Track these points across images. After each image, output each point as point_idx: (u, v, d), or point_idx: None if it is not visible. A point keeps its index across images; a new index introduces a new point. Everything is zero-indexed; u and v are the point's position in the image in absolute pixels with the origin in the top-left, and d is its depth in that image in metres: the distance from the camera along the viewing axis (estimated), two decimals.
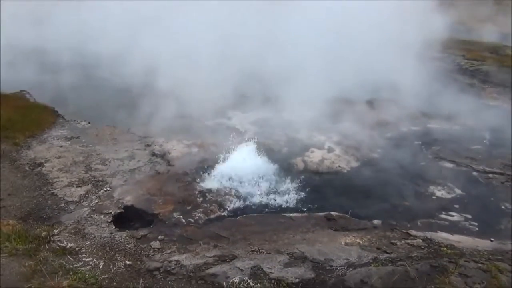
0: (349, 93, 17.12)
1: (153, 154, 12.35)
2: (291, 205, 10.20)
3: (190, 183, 10.83)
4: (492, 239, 8.24)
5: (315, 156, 12.80)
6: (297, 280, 6.99)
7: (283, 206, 10.16)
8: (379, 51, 17.51)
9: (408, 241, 8.45)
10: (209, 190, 10.53)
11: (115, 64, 17.27)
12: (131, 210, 9.60)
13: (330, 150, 13.38)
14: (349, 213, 9.69)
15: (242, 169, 11.52)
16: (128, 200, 9.82)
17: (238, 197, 10.43)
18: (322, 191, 10.98)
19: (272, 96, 16.15)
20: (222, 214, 9.68)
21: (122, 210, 9.46)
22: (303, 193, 10.74)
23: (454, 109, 16.25)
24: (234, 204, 10.09)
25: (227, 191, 10.59)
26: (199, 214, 9.51)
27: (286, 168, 12.12)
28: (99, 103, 15.88)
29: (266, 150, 12.67)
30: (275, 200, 10.43)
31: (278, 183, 11.21)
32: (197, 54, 16.39)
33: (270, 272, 7.13)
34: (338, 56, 16.81)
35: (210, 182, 10.98)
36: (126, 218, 9.40)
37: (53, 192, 9.84)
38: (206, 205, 9.86)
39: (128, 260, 7.58)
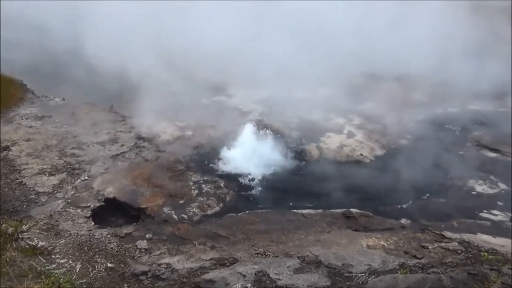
0: (374, 67, 17.44)
1: (140, 138, 12.39)
2: (303, 201, 10.18)
3: (183, 173, 10.88)
4: None
5: (332, 142, 12.85)
6: None
7: (292, 202, 10.16)
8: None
9: (442, 244, 8.38)
10: (206, 182, 10.56)
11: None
12: (114, 204, 9.61)
13: (350, 135, 13.46)
14: (372, 210, 9.68)
15: (245, 156, 11.68)
16: (110, 191, 9.82)
17: (239, 189, 10.52)
18: (340, 184, 10.95)
19: (283, 70, 16.21)
20: (221, 209, 9.70)
21: (103, 204, 9.46)
22: (317, 186, 10.77)
23: (502, 87, 16.19)
24: (235, 198, 10.14)
25: (226, 183, 10.67)
26: (194, 209, 9.52)
27: (297, 156, 12.25)
28: (76, 76, 15.80)
29: (274, 134, 12.79)
30: (282, 193, 10.47)
31: (287, 174, 11.31)
32: None
33: (278, 279, 7.04)
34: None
35: (207, 171, 11.11)
36: (108, 212, 9.40)
37: (22, 181, 9.84)
38: (202, 199, 9.86)
39: (110, 263, 7.55)
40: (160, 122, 13.37)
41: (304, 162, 12.07)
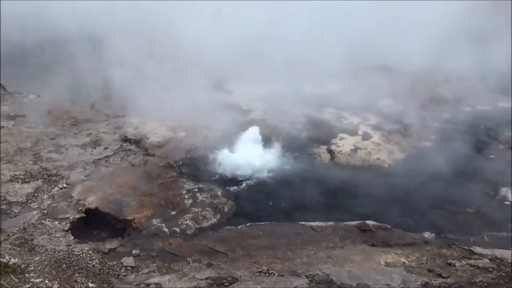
0: (393, 59, 17.45)
1: (126, 140, 12.44)
2: (312, 211, 10.14)
3: (175, 180, 10.91)
4: None
5: (345, 145, 12.87)
6: None
7: (300, 213, 10.11)
8: None
9: (471, 261, 8.34)
10: (201, 190, 10.58)
11: None
12: (96, 215, 9.59)
13: (366, 136, 13.45)
14: (391, 223, 9.62)
15: (245, 161, 11.70)
16: (92, 201, 9.80)
17: (239, 199, 10.53)
18: (354, 192, 10.93)
19: (289, 62, 16.25)
20: (219, 221, 9.67)
21: (84, 215, 9.43)
22: (328, 195, 10.78)
23: None
24: (234, 209, 10.14)
25: (224, 192, 10.68)
26: (188, 222, 9.50)
27: (305, 161, 12.25)
28: (54, 70, 15.73)
29: (278, 136, 12.94)
30: (289, 203, 10.47)
31: (294, 182, 11.31)
32: None
33: None
34: None
35: (203, 178, 11.15)
36: (89, 225, 9.39)
37: None
38: (196, 209, 9.85)
39: (92, 282, 7.53)
40: (149, 121, 13.38)
41: (313, 168, 12.06)
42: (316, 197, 10.70)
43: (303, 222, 9.54)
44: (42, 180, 10.37)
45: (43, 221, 9.04)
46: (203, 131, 13.16)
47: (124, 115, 13.79)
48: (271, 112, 14.45)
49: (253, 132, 12.40)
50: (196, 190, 10.58)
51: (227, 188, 10.88)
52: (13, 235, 8.58)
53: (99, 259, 8.17)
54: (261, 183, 11.17)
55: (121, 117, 13.74)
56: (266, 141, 12.45)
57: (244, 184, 11.10)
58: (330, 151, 12.76)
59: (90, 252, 8.32)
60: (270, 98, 15.34)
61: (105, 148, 12.00)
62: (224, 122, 13.37)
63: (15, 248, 8.19)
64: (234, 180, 11.24)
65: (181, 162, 11.78)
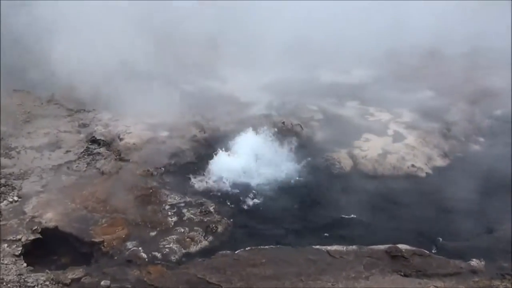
0: (433, 40, 17.75)
1: (93, 141, 12.51)
2: (329, 232, 10.18)
3: (156, 192, 10.95)
4: None
5: (371, 148, 12.92)
6: None
7: (314, 234, 10.14)
8: None
9: None
10: (189, 204, 10.62)
11: None
12: (55, 236, 9.56)
13: (397, 137, 13.58)
14: (430, 247, 9.65)
15: (245, 167, 11.75)
16: (50, 218, 9.79)
17: (237, 215, 10.56)
18: (383, 208, 10.97)
19: (301, 42, 16.53)
20: (211, 244, 9.69)
21: (40, 236, 9.41)
22: (349, 211, 10.78)
23: None
24: (230, 229, 10.17)
25: (218, 207, 10.71)
26: (171, 245, 9.49)
27: (320, 169, 12.34)
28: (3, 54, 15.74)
29: (287, 136, 13.00)
30: (299, 221, 10.50)
31: (307, 194, 11.38)
32: None
33: None
34: None
35: (191, 190, 11.20)
36: (47, 249, 9.37)
37: None
38: (183, 230, 9.86)
39: None
40: (123, 117, 13.51)
41: (330, 177, 12.12)
42: (333, 214, 10.75)
43: (317, 246, 9.55)
44: None
45: None
46: (192, 129, 13.25)
47: (92, 109, 13.80)
48: (277, 106, 14.62)
49: (253, 132, 12.63)
50: (183, 204, 10.61)
51: (221, 202, 10.93)
52: None
53: None
54: (265, 197, 11.20)
55: (87, 112, 13.75)
56: (271, 144, 12.54)
57: (243, 198, 11.13)
58: (353, 156, 12.79)
59: (47, 283, 8.29)
60: (277, 88, 15.49)
61: (67, 152, 12.01)
62: (218, 118, 13.44)
63: None
64: (231, 193, 11.28)
65: (163, 169, 11.81)
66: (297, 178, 11.93)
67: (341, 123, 14.14)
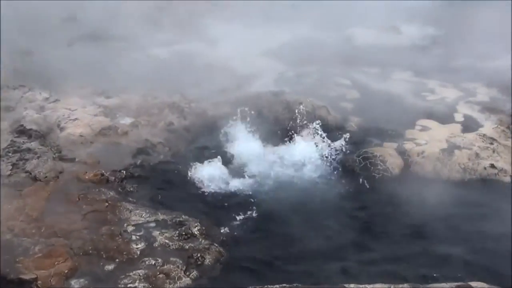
0: None
1: (21, 131, 12.55)
2: (368, 266, 10.12)
3: (114, 205, 10.96)
4: None
5: (431, 141, 13.06)
6: None
7: (346, 268, 10.06)
8: None
9: None
10: (162, 223, 10.63)
11: None
12: None
13: (469, 124, 13.71)
14: None
15: (244, 170, 11.98)
16: None
17: (232, 240, 10.57)
18: (447, 228, 10.96)
19: None
20: (195, 283, 9.56)
21: None
22: (397, 234, 10.83)
23: None
24: (222, 260, 10.06)
25: (205, 228, 10.67)
26: (137, 284, 9.41)
27: (356, 172, 12.45)
28: None
29: (305, 124, 13.08)
30: (323, 248, 10.48)
31: (335, 209, 11.41)
32: None
33: None
34: None
35: (165, 202, 11.25)
36: None
37: None
38: (154, 261, 9.80)
39: None
40: (66, 97, 13.65)
41: (371, 183, 12.24)
42: (375, 237, 10.80)
43: (351, 286, 9.41)
44: None
45: None
46: (166, 114, 13.36)
47: (18, 85, 13.76)
48: (292, 79, 14.78)
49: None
50: (153, 224, 10.61)
51: (210, 221, 10.94)
52: None
53: None
54: (273, 213, 11.25)
55: (12, 89, 13.71)
56: (283, 135, 12.81)
57: (242, 214, 11.18)
58: (404, 153, 12.89)
59: None
60: (290, 53, 15.76)
61: None
62: (204, 98, 13.52)
63: None
64: (224, 207, 11.36)
65: (124, 172, 11.88)
66: (322, 185, 12.08)
67: (386, 104, 14.25)
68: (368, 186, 12.21)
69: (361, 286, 9.46)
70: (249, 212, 11.27)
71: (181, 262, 9.92)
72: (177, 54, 15.07)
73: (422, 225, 11.09)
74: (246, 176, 12.05)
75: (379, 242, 10.76)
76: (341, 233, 10.92)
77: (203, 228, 10.66)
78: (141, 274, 9.61)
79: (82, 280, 9.50)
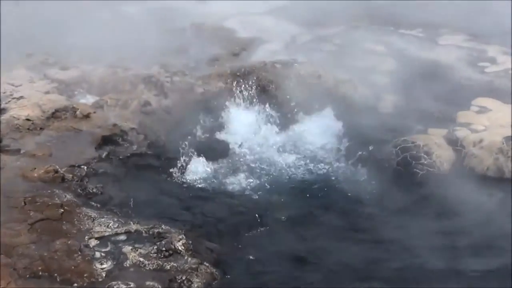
0: None
1: None
2: None
3: (72, 212, 10.80)
4: None
5: (492, 126, 13.07)
6: None
7: None
8: None
9: None
10: (136, 236, 10.49)
11: None
12: None
13: None
14: None
15: (244, 167, 12.08)
16: None
17: (224, 260, 10.50)
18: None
19: None
20: None
21: None
22: (444, 252, 10.62)
23: None
24: (211, 285, 9.93)
25: (192, 242, 10.54)
26: None
27: (392, 168, 12.54)
28: None
29: (325, 103, 13.25)
30: (348, 269, 10.38)
31: (363, 216, 11.44)
32: None
33: None
34: None
35: (138, 206, 11.25)
36: None
37: None
38: (123, 286, 9.60)
39: None
40: (8, 68, 13.54)
41: (411, 185, 12.18)
42: (422, 256, 10.53)
43: None
44: None
45: None
46: (140, 91, 13.36)
47: None
48: (306, 45, 14.84)
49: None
50: (123, 237, 10.48)
51: (199, 232, 10.89)
52: None
53: None
54: (283, 224, 11.22)
55: None
56: (294, 117, 12.93)
57: (242, 224, 11.17)
58: (455, 142, 12.84)
59: None
60: (304, 11, 15.72)
61: None
62: (191, 70, 13.49)
63: None
64: (217, 214, 11.28)
65: (85, 169, 11.78)
66: (345, 185, 12.03)
67: (432, 78, 14.26)
68: (408, 188, 12.13)
69: None
70: (252, 222, 11.26)
71: (160, 287, 9.76)
72: (154, 11, 14.98)
73: (477, 238, 10.92)
74: (246, 174, 12.09)
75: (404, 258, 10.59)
76: (355, 247, 10.87)
77: (190, 242, 10.52)
78: None
79: None
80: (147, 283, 9.79)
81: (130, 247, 10.26)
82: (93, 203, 11.23)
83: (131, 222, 10.74)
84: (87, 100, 13.17)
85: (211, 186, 11.75)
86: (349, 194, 11.90)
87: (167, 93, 13.37)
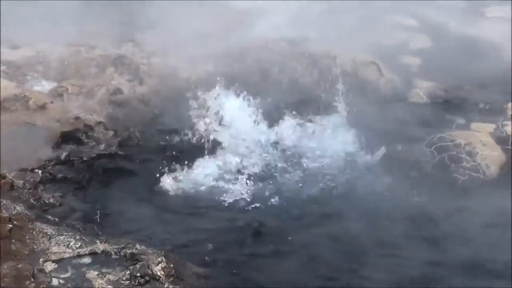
0: None
1: None
2: None
3: (23, 228, 10.48)
4: None
5: None
6: None
7: None
8: None
9: None
10: (104, 259, 10.14)
11: None
12: None
13: None
14: None
15: (239, 177, 11.93)
16: None
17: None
18: None
19: None
20: None
21: None
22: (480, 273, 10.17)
23: None
24: None
25: (171, 267, 10.19)
26: None
27: (425, 171, 12.33)
28: None
29: (340, 91, 13.02)
30: None
31: (397, 233, 10.94)
32: None
33: None
34: None
35: (107, 224, 11.12)
36: None
37: None
38: None
39: None
40: None
41: (451, 190, 11.86)
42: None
43: None
44: None
45: None
46: (110, 75, 13.13)
47: None
48: (318, 18, 14.67)
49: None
50: (88, 260, 10.19)
51: (183, 253, 10.60)
52: None
53: None
54: (288, 244, 10.91)
55: None
56: (304, 111, 12.66)
57: (238, 241, 10.94)
58: (505, 140, 12.62)
59: None
60: None
61: None
62: (174, 49, 13.29)
63: None
64: (205, 230, 11.07)
65: (40, 173, 11.53)
66: (367, 195, 11.67)
67: (476, 60, 14.12)
68: (446, 198, 11.73)
69: None
70: (248, 241, 11.05)
71: None
72: None
73: None
74: (242, 181, 11.96)
75: None
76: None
77: (171, 266, 10.26)
78: None
79: None
80: None
81: (96, 272, 9.98)
82: (49, 217, 11.00)
83: (98, 241, 10.53)
84: (42, 87, 13.00)
85: (198, 195, 11.57)
86: (369, 207, 11.52)
87: (143, 78, 13.14)
